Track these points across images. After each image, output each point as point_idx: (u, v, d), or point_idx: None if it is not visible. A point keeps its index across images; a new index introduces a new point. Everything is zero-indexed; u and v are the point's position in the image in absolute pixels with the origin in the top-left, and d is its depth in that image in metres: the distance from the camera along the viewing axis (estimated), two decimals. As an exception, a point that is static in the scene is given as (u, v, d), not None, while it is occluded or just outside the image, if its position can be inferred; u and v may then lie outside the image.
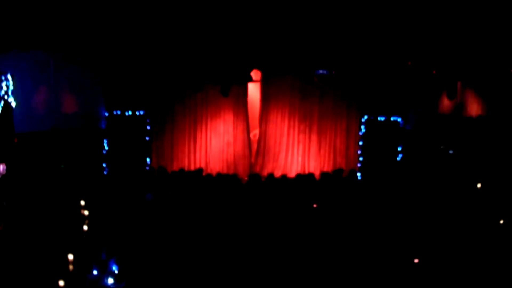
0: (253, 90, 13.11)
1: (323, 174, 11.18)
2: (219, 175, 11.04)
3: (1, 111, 8.85)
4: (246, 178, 10.74)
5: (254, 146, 13.70)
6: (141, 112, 11.52)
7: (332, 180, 10.85)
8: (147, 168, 11.58)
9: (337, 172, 11.60)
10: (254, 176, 9.94)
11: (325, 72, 11.41)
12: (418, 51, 11.24)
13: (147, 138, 11.61)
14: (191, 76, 11.40)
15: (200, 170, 11.03)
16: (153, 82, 11.49)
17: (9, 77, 9.25)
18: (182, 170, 11.01)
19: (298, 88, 12.31)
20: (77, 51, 10.53)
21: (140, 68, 11.20)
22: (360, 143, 12.27)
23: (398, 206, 9.39)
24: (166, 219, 8.49)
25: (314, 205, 9.04)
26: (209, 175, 10.63)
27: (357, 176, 11.79)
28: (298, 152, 12.50)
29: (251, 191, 9.50)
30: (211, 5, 10.44)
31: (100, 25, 10.26)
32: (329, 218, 8.74)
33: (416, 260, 7.27)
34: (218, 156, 12.21)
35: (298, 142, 12.50)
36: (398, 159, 12.07)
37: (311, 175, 10.55)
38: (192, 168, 11.97)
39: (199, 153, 12.18)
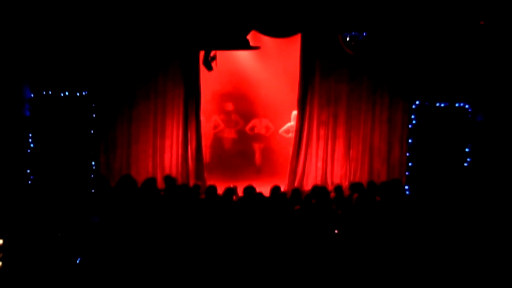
0: (247, 61, 13.15)
1: (354, 186, 11.03)
2: (196, 186, 10.94)
3: None
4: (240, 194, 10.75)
5: (255, 146, 14.58)
6: (84, 93, 11.55)
7: (367, 195, 10.69)
8: (92, 175, 11.59)
9: (374, 184, 11.32)
10: (250, 190, 9.83)
11: (357, 34, 11.33)
12: (494, 3, 11.10)
13: (92, 132, 11.68)
14: (159, 39, 11.37)
15: (171, 179, 10.94)
16: (102, 46, 11.48)
17: None
18: (148, 179, 10.89)
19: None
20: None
21: (81, 25, 11.14)
22: (409, 141, 12.24)
23: (464, 236, 9.21)
24: (119, 253, 8.36)
25: (336, 231, 8.94)
26: (184, 186, 10.57)
27: (404, 190, 11.67)
28: (318, 154, 12.51)
29: (245, 211, 9.42)
30: None
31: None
32: (360, 251, 8.57)
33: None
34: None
35: (318, 139, 12.50)
36: (465, 164, 12.08)
37: (337, 188, 10.49)
38: (159, 175, 11.98)
39: (169, 153, 12.28)
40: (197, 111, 12.34)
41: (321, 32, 11.76)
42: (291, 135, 13.59)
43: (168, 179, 10.71)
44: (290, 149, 12.69)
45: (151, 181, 10.36)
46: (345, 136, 12.45)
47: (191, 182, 11.95)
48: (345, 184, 11.91)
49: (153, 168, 12.19)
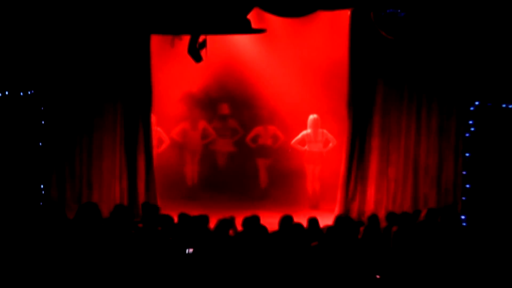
0: (248, 49, 13.37)
1: (393, 216, 10.96)
2: (184, 216, 10.77)
3: None
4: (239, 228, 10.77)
5: (259, 162, 14.83)
6: (30, 93, 11.61)
7: (410, 228, 10.66)
8: (41, 202, 11.63)
9: (420, 213, 11.08)
10: (253, 221, 9.87)
11: (396, 12, 11.40)
12: None
13: (40, 144, 11.74)
14: (126, 18, 11.47)
15: (153, 207, 10.97)
16: (50, 29, 11.58)
17: None
18: (118, 206, 10.56)
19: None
20: None
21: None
22: (466, 155, 12.24)
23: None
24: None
25: (377, 276, 8.87)
26: (166, 217, 10.61)
27: (459, 221, 11.42)
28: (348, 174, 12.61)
29: (246, 249, 9.35)
30: None
31: None
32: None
33: None
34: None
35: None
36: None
37: (372, 217, 10.50)
38: (131, 201, 12.20)
39: (143, 172, 12.43)
40: (146, 119, 12.41)
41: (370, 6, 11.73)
42: (308, 147, 13.61)
43: (147, 207, 10.72)
44: (342, 166, 12.71)
45: (123, 209, 10.31)
46: (382, 149, 12.47)
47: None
48: (381, 213, 11.80)
49: (120, 193, 12.38)
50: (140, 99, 12.37)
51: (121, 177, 12.42)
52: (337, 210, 12.48)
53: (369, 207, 12.36)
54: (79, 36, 11.82)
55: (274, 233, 9.74)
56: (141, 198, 12.46)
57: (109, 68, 12.21)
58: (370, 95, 12.40)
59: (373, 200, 12.49)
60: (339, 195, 12.64)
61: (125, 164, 12.42)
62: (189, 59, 11.72)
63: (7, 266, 8.53)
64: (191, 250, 9.17)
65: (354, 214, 12.33)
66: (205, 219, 9.97)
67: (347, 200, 12.53)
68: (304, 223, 9.90)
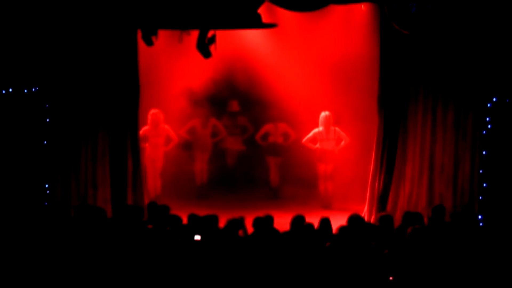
0: (258, 44, 13.38)
1: (408, 216, 10.88)
2: (194, 217, 10.65)
3: None
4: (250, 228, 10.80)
5: (270, 161, 14.79)
6: (34, 90, 11.59)
7: (425, 229, 10.58)
8: (46, 203, 11.63)
9: (437, 211, 11.09)
10: (263, 222, 9.81)
11: (409, 7, 11.32)
12: None
13: (45, 142, 11.72)
14: (131, 13, 11.33)
15: (162, 208, 10.91)
16: (56, 26, 11.51)
17: None
18: (129, 206, 11.24)
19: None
20: None
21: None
22: (483, 153, 12.18)
23: None
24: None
25: (390, 278, 8.93)
26: (175, 217, 10.58)
27: (476, 221, 11.36)
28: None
29: (256, 251, 9.33)
30: None
31: None
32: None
33: None
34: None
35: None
36: None
37: (386, 218, 10.48)
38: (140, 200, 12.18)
39: (130, 175, 12.36)
40: (134, 117, 12.32)
41: None
42: (320, 145, 13.59)
43: (154, 207, 10.66)
44: (371, 165, 12.68)
45: (135, 210, 10.40)
46: (398, 147, 12.41)
47: None
48: (396, 213, 11.88)
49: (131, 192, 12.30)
50: (127, 101, 12.29)
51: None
52: (365, 210, 12.53)
53: (388, 207, 12.36)
54: (83, 32, 11.82)
55: (285, 233, 9.75)
56: (129, 200, 12.46)
57: (108, 66, 12.19)
58: (400, 94, 12.35)
59: (390, 199, 12.49)
60: (368, 195, 12.68)
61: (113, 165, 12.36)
62: (198, 54, 11.64)
63: (12, 265, 8.73)
64: (198, 237, 9.19)
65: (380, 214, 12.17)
66: (214, 219, 9.94)
67: (379, 200, 12.53)
68: (316, 223, 9.95)
